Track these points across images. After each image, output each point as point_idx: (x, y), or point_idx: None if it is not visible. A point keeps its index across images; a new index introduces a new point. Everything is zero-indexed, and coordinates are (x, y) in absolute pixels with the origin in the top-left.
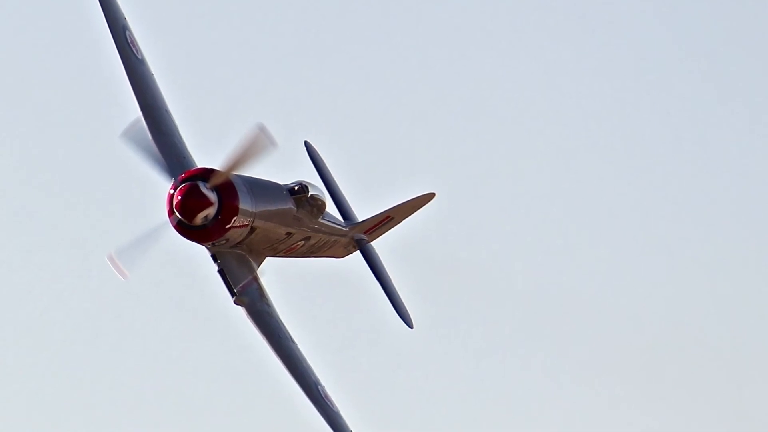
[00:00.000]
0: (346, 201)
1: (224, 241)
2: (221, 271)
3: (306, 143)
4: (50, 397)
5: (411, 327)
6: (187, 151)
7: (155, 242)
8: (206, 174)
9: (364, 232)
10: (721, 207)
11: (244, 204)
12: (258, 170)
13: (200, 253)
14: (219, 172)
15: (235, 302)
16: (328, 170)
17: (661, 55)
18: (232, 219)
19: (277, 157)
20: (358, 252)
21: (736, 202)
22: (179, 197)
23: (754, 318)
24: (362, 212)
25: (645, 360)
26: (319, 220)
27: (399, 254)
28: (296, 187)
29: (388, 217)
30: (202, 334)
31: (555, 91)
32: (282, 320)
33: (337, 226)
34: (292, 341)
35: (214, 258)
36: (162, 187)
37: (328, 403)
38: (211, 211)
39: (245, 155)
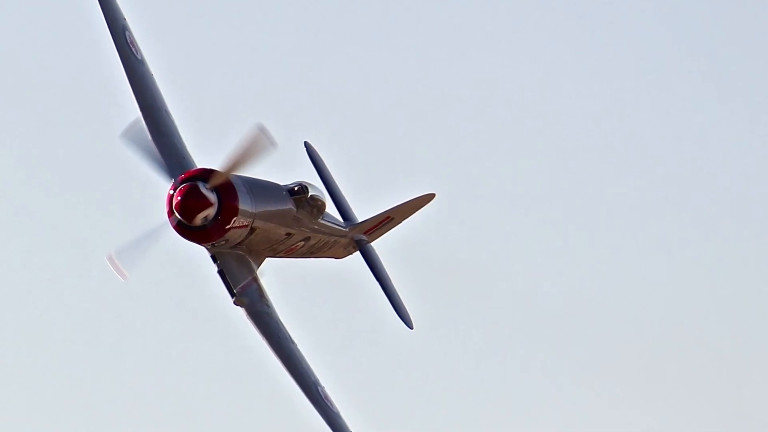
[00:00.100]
0: (346, 201)
1: (224, 242)
2: (221, 272)
3: (306, 143)
4: (50, 397)
5: (411, 328)
6: (187, 152)
7: (155, 243)
8: (206, 174)
9: (364, 233)
10: (721, 207)
11: (244, 204)
12: (258, 171)
13: (200, 253)
14: (219, 173)
15: (234, 303)
16: (327, 171)
17: (661, 55)
18: (231, 219)
19: (276, 157)
20: (358, 252)
21: (736, 203)
22: (179, 198)
23: (754, 318)
24: (362, 213)
25: (645, 361)
26: (319, 220)
27: (399, 255)
28: (296, 188)
29: (388, 217)
30: (202, 334)
31: (555, 91)
32: (282, 321)
33: (336, 227)
34: (292, 342)
35: (214, 258)
36: (162, 187)
37: (328, 403)
38: (210, 212)
39: (245, 156)
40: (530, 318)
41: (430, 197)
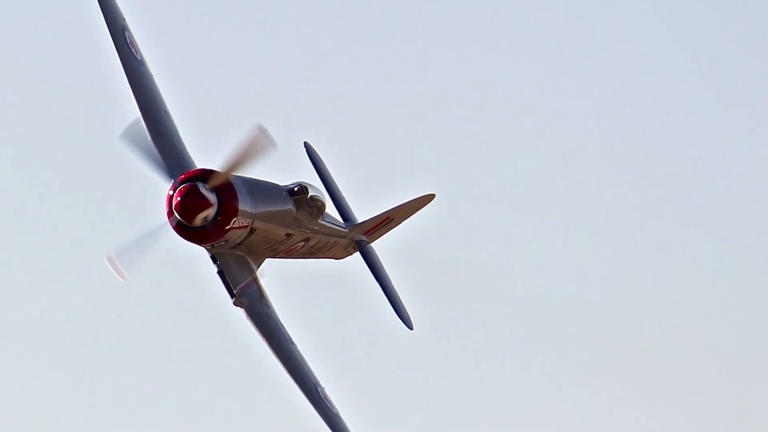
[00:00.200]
0: (346, 202)
1: (224, 242)
2: (221, 273)
3: (306, 144)
4: (50, 398)
5: (411, 328)
6: (187, 152)
7: (154, 243)
8: (205, 175)
9: (364, 234)
10: (722, 208)
11: (244, 205)
12: (257, 171)
13: (200, 254)
14: (218, 173)
15: (234, 303)
16: (327, 171)
17: (661, 55)
18: (231, 220)
19: (276, 157)
20: (358, 253)
21: (737, 204)
22: (178, 198)
23: (754, 319)
24: (362, 213)
25: (645, 361)
26: (319, 221)
27: (399, 255)
28: (296, 188)
29: (388, 218)
30: (202, 335)
31: (555, 91)
32: (281, 321)
33: (336, 228)
34: (292, 342)
35: (214, 259)
36: (161, 188)
37: (328, 404)
38: (210, 212)
39: (245, 156)
40: (530, 318)
41: (430, 198)
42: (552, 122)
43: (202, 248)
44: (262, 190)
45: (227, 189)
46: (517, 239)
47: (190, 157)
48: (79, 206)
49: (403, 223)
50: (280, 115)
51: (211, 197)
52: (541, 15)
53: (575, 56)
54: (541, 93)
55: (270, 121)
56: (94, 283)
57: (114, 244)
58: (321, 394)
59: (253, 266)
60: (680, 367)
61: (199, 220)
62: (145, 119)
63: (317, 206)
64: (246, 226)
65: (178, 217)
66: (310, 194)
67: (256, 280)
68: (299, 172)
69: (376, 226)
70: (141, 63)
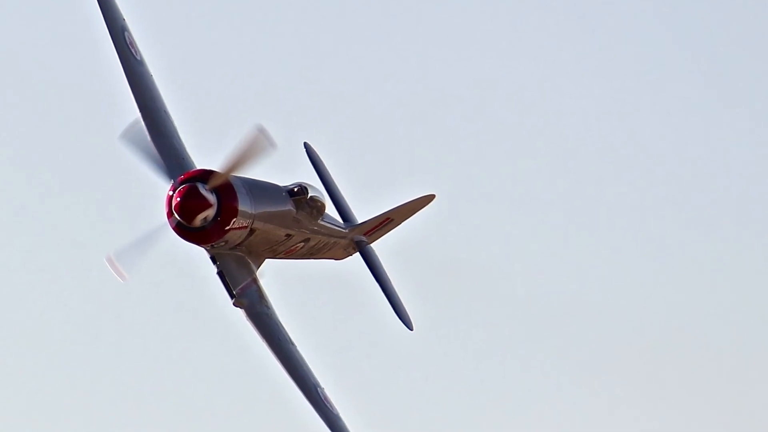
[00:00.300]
0: (346, 202)
1: (223, 243)
2: (220, 273)
3: (305, 144)
4: (50, 398)
5: (411, 329)
6: (186, 153)
7: (154, 244)
8: (205, 175)
9: (364, 234)
10: (722, 208)
11: (244, 205)
12: (257, 171)
13: (199, 254)
14: (218, 174)
15: (234, 304)
16: (327, 172)
17: (661, 55)
18: (231, 220)
19: (276, 158)
20: (357, 254)
21: (737, 204)
22: (178, 199)
23: (754, 319)
24: (362, 214)
25: (645, 361)
26: (319, 221)
27: (399, 256)
28: (296, 189)
29: (388, 218)
30: (202, 336)
31: (555, 91)
32: (281, 322)
33: (336, 228)
34: (292, 343)
35: (214, 260)
36: (161, 188)
37: (328, 405)
38: (210, 213)
39: (244, 156)
40: (530, 318)
41: (430, 198)
42: (552, 122)
43: (202, 249)
44: (261, 190)
45: (227, 189)
46: (517, 239)
47: (189, 157)
48: (79, 206)
49: (403, 223)
50: (280, 115)
51: (211, 198)
52: (541, 15)
53: (575, 56)
54: (541, 93)
55: (270, 121)
56: (94, 284)
57: (114, 244)
58: (321, 394)
59: (253, 267)
60: (680, 367)
61: (198, 220)
62: (144, 120)
63: (317, 207)
64: (246, 227)
65: (178, 218)
66: (309, 195)
67: (255, 281)
68: (299, 173)
69: (376, 227)
70: (140, 63)
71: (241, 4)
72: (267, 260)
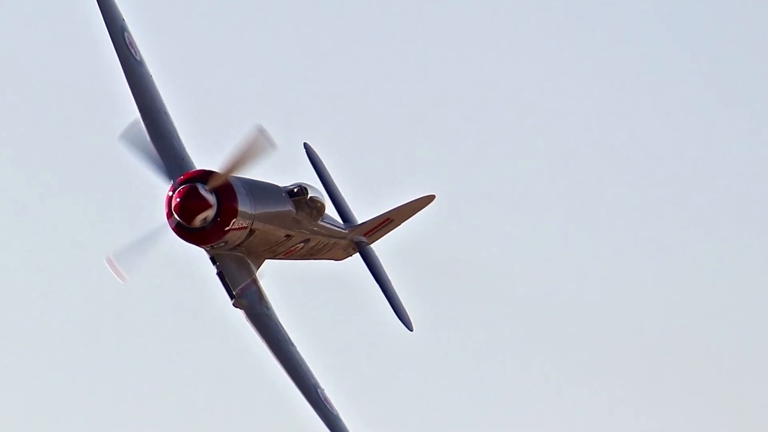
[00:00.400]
0: (346, 203)
1: (223, 244)
2: (220, 274)
3: (305, 145)
4: (50, 398)
5: (411, 329)
6: (186, 153)
7: (154, 244)
8: (205, 176)
9: (364, 235)
10: (722, 208)
11: (243, 206)
12: (257, 172)
13: (199, 255)
14: (218, 174)
15: (234, 305)
16: (327, 172)
17: (661, 55)
18: (231, 221)
19: (276, 158)
20: (357, 254)
21: (737, 204)
22: (178, 199)
23: (754, 319)
24: (362, 214)
25: (645, 361)
26: (319, 222)
27: (399, 256)
28: (295, 189)
29: (388, 219)
30: (201, 336)
31: (555, 92)
32: (281, 323)
33: (336, 229)
34: (292, 344)
35: (213, 260)
36: (161, 189)
37: (328, 405)
38: (209, 213)
39: (244, 157)
40: (530, 319)
41: (430, 199)
42: (552, 122)
43: (202, 249)
44: (261, 191)
45: (227, 190)
46: (517, 239)
47: (189, 158)
48: (79, 206)
49: (403, 224)
50: (280, 116)
51: (211, 198)
52: (541, 15)
53: (575, 56)
54: (541, 93)
55: (270, 121)
56: (93, 284)
57: (113, 244)
58: (321, 395)
59: (253, 267)
60: (680, 367)
61: (198, 221)
62: (144, 120)
63: (317, 207)
64: (245, 227)
65: (178, 218)
66: (309, 195)
67: (255, 282)
68: (299, 173)
69: (376, 227)
70: (140, 64)
71: (241, 4)
72: (267, 261)
